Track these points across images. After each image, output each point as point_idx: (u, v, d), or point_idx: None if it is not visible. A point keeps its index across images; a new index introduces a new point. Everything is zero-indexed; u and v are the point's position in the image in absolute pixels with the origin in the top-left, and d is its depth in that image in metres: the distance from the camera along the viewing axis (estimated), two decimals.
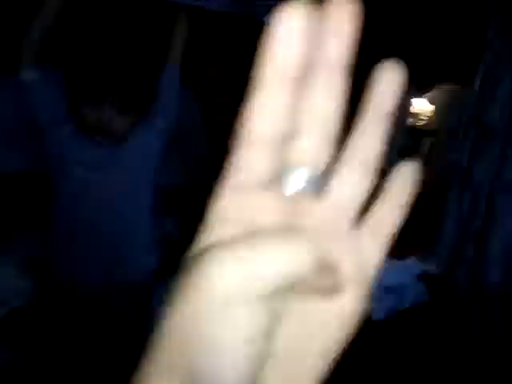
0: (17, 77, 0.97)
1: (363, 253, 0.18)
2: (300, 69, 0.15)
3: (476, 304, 1.35)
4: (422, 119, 5.36)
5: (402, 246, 1.27)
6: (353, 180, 0.17)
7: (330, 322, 0.18)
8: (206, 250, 0.15)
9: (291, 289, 0.15)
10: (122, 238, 1.03)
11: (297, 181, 0.16)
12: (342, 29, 0.15)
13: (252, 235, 0.15)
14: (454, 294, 1.44)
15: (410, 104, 2.64)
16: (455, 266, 1.34)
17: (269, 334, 0.16)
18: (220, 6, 1.03)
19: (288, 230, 0.16)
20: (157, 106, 1.02)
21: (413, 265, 1.48)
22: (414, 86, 2.65)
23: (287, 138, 0.16)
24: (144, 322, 1.00)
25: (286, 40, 0.14)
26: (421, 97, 5.28)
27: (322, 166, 0.16)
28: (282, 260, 0.14)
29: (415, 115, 5.28)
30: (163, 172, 1.09)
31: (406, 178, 0.18)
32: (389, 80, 0.17)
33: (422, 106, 5.36)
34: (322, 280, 0.16)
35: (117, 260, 1.03)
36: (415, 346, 1.60)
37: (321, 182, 0.16)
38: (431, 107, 5.37)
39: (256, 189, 0.16)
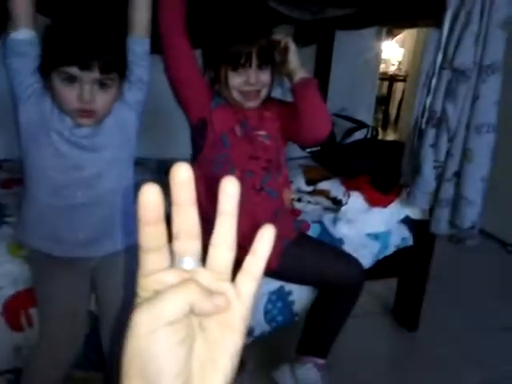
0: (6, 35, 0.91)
1: (241, 286, 0.29)
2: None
3: (455, 243, 1.41)
4: (393, 64, 5.32)
5: (384, 193, 1.29)
6: (222, 254, 0.29)
7: (226, 331, 0.28)
8: (135, 307, 0.26)
9: (190, 313, 0.26)
10: (104, 214, 1.03)
11: (187, 264, 0.28)
12: None
13: (157, 294, 0.26)
14: (436, 237, 1.50)
15: (380, 50, 2.61)
16: (435, 209, 1.38)
17: (190, 338, 0.27)
18: None
19: (174, 287, 0.26)
20: (127, 79, 0.97)
21: (396, 211, 1.52)
22: (384, 31, 2.61)
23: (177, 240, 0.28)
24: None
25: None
26: (391, 41, 5.20)
27: (198, 255, 0.28)
28: (170, 304, 0.25)
29: (386, 61, 5.23)
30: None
31: (266, 240, 0.29)
32: (228, 192, 0.28)
33: (392, 51, 5.31)
34: (213, 303, 0.26)
35: (98, 237, 1.03)
36: (402, 288, 1.68)
37: (199, 263, 0.28)
38: (402, 51, 5.31)
39: (161, 271, 0.27)
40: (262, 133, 1.14)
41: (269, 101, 1.16)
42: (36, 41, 0.92)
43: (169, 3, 1.01)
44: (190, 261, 0.28)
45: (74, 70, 0.87)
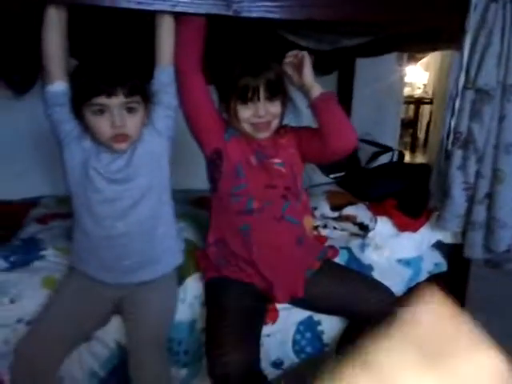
0: (44, 88, 1.01)
1: None
2: None
3: (492, 267, 1.35)
4: (419, 88, 5.29)
5: (413, 217, 1.26)
6: None
7: None
8: None
9: None
10: (146, 240, 1.08)
11: None
12: None
13: None
14: (471, 261, 1.44)
15: (403, 74, 2.61)
16: (468, 232, 1.33)
17: None
18: (204, 9, 1.03)
19: None
20: (154, 106, 1.05)
21: (426, 235, 1.48)
22: (405, 55, 2.62)
23: None
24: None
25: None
26: (415, 65, 5.20)
27: None
28: None
29: (412, 85, 5.21)
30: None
31: None
32: None
33: (417, 75, 5.30)
34: None
35: (141, 263, 1.08)
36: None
37: None
38: (426, 75, 5.29)
39: None
40: (277, 160, 1.13)
41: (281, 128, 1.16)
42: (69, 89, 1.01)
43: (189, 40, 1.05)
44: None
45: (101, 99, 0.95)
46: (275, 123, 1.11)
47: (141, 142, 1.05)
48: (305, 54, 1.08)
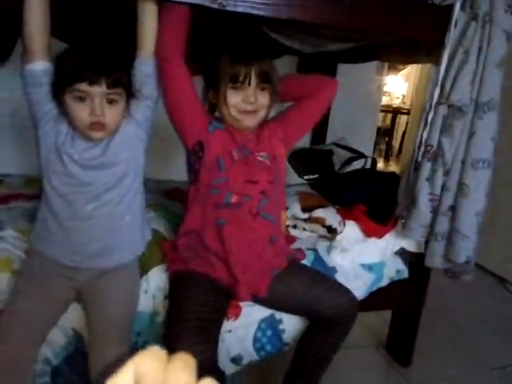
0: (23, 65, 0.98)
1: None
2: None
3: (450, 278, 1.40)
4: (398, 98, 5.41)
5: (379, 224, 1.29)
6: None
7: None
8: None
9: None
10: (113, 225, 1.07)
11: None
12: None
13: None
14: (431, 270, 1.49)
15: (382, 84, 2.65)
16: (430, 242, 1.37)
17: None
18: None
19: None
20: (135, 97, 1.04)
21: (391, 242, 1.51)
22: (385, 65, 2.67)
23: None
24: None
25: None
26: (395, 75, 5.32)
27: None
28: None
29: (390, 94, 5.32)
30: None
31: None
32: None
33: (397, 85, 5.42)
34: None
35: (104, 249, 1.08)
36: (396, 321, 1.66)
37: None
38: (405, 85, 5.42)
39: None
40: (261, 154, 1.14)
41: (265, 122, 1.17)
42: (51, 69, 0.98)
43: (173, 28, 1.03)
44: None
45: (84, 86, 0.94)
46: (261, 114, 1.11)
47: (118, 132, 1.04)
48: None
